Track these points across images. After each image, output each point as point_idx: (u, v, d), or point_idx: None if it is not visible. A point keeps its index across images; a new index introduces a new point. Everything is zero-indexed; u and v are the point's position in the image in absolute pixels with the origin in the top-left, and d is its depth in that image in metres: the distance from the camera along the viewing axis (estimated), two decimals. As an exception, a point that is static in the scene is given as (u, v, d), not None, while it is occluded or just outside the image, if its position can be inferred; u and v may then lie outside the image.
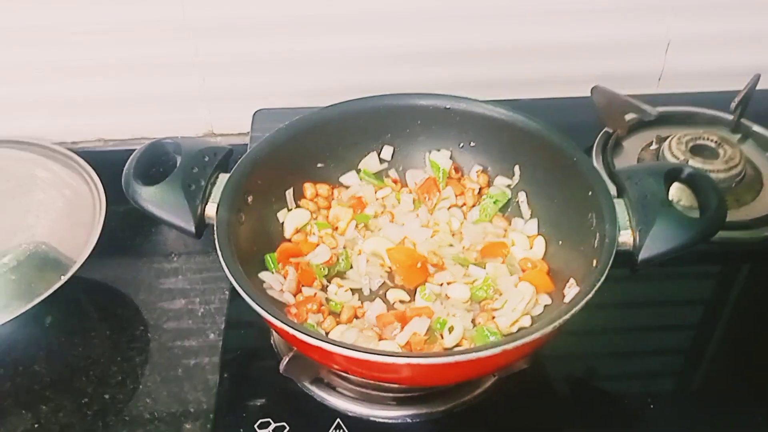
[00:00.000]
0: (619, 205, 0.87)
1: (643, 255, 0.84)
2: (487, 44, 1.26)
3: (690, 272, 1.09)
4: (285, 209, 1.01)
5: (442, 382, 0.88)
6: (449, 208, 1.03)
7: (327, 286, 0.96)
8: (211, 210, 0.90)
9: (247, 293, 0.80)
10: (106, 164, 1.09)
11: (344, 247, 0.99)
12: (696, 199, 0.92)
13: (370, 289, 0.95)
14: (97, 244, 0.99)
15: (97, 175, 1.10)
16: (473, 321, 0.91)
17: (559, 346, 0.90)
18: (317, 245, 0.98)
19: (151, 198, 0.90)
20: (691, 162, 1.12)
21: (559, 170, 0.96)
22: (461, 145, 1.05)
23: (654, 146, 1.21)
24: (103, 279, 1.10)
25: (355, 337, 0.89)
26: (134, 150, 0.95)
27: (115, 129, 1.28)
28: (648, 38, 1.29)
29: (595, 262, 0.84)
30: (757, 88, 1.22)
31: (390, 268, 0.96)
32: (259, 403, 0.90)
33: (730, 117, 1.24)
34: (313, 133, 1.01)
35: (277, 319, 0.78)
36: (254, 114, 1.25)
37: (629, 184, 0.89)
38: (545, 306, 0.92)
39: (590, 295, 0.79)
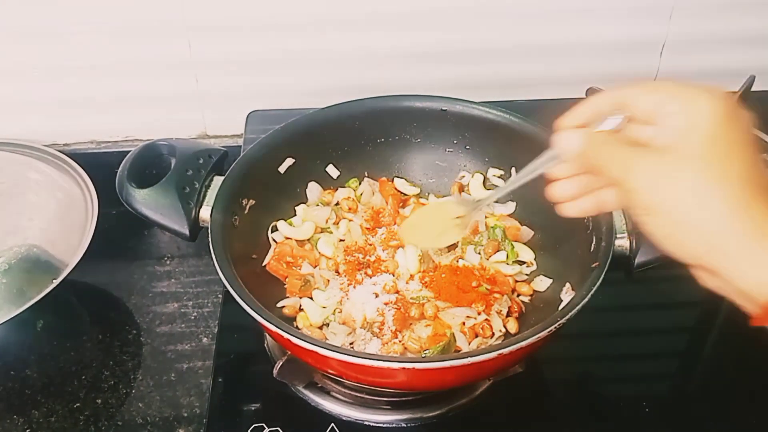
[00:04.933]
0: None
1: (639, 259, 0.84)
2: (482, 45, 1.25)
3: (684, 275, 1.08)
4: (303, 205, 1.02)
5: (438, 387, 0.87)
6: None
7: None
8: (205, 213, 0.90)
9: (241, 297, 0.80)
10: (98, 166, 1.09)
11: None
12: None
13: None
14: (89, 247, 0.99)
15: (90, 177, 1.10)
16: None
17: (555, 350, 0.90)
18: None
19: (145, 201, 0.89)
20: (686, 164, 1.12)
21: (554, 173, 0.96)
22: (456, 146, 1.05)
23: (649, 148, 1.20)
24: (96, 282, 1.10)
25: (351, 339, 0.89)
26: (126, 152, 0.94)
27: (108, 130, 1.27)
28: (643, 39, 1.29)
29: (591, 266, 0.83)
30: (752, 89, 1.22)
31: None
32: (252, 408, 0.90)
33: (725, 119, 1.24)
34: (308, 135, 1.01)
35: (270, 323, 0.78)
36: (248, 115, 1.25)
37: (625, 187, 0.88)
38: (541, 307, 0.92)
39: (586, 300, 0.79)
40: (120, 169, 0.92)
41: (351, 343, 0.89)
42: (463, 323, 0.90)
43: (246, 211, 0.95)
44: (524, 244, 0.99)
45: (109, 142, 1.28)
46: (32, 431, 0.92)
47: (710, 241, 0.60)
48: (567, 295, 0.88)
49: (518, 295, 0.95)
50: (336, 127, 1.02)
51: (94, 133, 1.28)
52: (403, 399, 0.89)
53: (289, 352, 0.84)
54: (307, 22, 1.19)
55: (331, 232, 1.01)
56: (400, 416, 0.89)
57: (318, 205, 1.03)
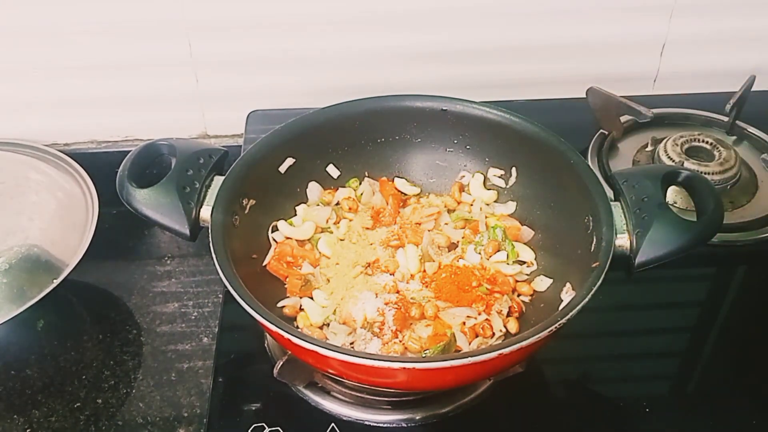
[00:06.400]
0: (616, 209, 0.87)
1: (639, 259, 0.84)
2: (482, 45, 1.25)
3: (685, 274, 1.09)
4: (303, 205, 1.02)
5: (438, 387, 0.87)
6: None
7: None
8: (205, 213, 0.89)
9: (241, 297, 0.80)
10: (98, 166, 1.09)
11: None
12: (693, 201, 0.91)
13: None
14: (89, 246, 0.99)
15: (90, 177, 1.10)
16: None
17: (555, 350, 0.90)
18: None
19: (146, 200, 0.89)
20: (686, 164, 1.12)
21: (555, 173, 0.96)
22: (457, 146, 1.05)
23: (649, 148, 1.21)
24: (96, 282, 1.10)
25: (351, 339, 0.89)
26: (127, 151, 0.94)
27: (108, 130, 1.27)
28: (643, 39, 1.29)
29: (591, 266, 0.83)
30: (752, 89, 1.23)
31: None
32: (253, 408, 0.90)
33: (725, 119, 1.25)
34: (309, 135, 1.01)
35: (271, 322, 0.78)
36: (248, 115, 1.25)
37: (626, 187, 0.88)
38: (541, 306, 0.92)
39: (586, 300, 0.79)
40: (120, 168, 0.91)
41: (351, 343, 0.89)
42: (464, 323, 0.90)
43: (246, 211, 0.95)
44: (524, 244, 0.99)
45: (110, 141, 1.28)
46: (33, 431, 0.92)
47: None
48: (567, 295, 0.88)
49: (518, 295, 0.95)
50: (336, 127, 1.02)
51: (95, 133, 1.28)
52: (404, 399, 0.89)
53: (290, 352, 0.84)
54: (307, 22, 1.19)
55: (332, 232, 1.01)
56: (400, 416, 0.89)
57: (318, 204, 1.03)
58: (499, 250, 0.98)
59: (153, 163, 0.95)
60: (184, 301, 1.07)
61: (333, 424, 0.87)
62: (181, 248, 1.15)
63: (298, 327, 0.91)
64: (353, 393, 0.90)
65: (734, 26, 1.29)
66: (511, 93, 1.28)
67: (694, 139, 1.16)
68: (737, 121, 1.24)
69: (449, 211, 1.04)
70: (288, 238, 0.99)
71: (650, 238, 0.84)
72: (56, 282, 0.95)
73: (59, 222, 1.05)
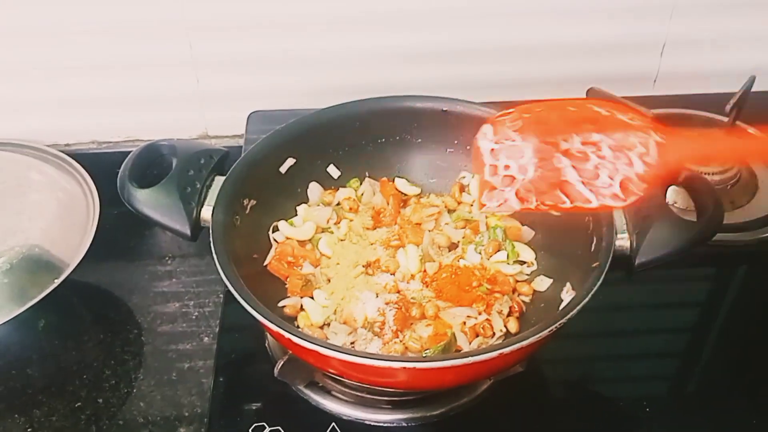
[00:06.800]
0: (616, 209, 0.87)
1: (639, 259, 0.84)
2: (482, 46, 1.25)
3: (685, 275, 1.09)
4: (304, 205, 1.03)
5: (438, 387, 0.87)
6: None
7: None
8: (206, 213, 0.90)
9: (242, 296, 0.80)
10: (99, 166, 1.09)
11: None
12: (693, 201, 0.91)
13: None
14: (90, 246, 0.99)
15: (91, 177, 1.10)
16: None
17: (555, 350, 0.90)
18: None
19: (147, 201, 0.89)
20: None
21: (555, 173, 0.96)
22: (457, 146, 1.05)
23: (650, 148, 1.21)
24: (97, 282, 1.10)
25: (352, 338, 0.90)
26: (128, 152, 0.94)
27: (109, 130, 1.27)
28: (644, 40, 1.29)
29: (591, 266, 0.83)
30: (752, 90, 1.22)
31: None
32: (253, 407, 0.90)
33: (726, 119, 1.24)
34: (309, 135, 1.01)
35: (271, 322, 0.78)
36: (249, 116, 1.25)
37: (626, 187, 0.88)
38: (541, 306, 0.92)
39: (586, 300, 0.79)
40: (121, 169, 0.92)
41: (352, 343, 0.89)
42: (464, 323, 0.90)
43: (247, 211, 0.95)
44: (525, 244, 0.99)
45: (111, 142, 1.28)
46: (34, 430, 0.92)
47: None
48: (567, 294, 0.88)
49: (519, 295, 0.95)
50: (337, 127, 1.02)
51: (96, 134, 1.28)
52: (404, 398, 0.89)
53: (290, 352, 0.84)
54: (307, 22, 1.19)
55: (332, 232, 1.01)
56: (400, 415, 0.89)
57: (319, 205, 1.04)
58: (499, 250, 0.98)
59: (154, 164, 0.95)
60: (185, 301, 1.07)
61: (333, 424, 0.88)
62: (182, 248, 1.15)
63: (298, 327, 0.91)
64: (354, 392, 0.90)
65: (734, 26, 1.29)
66: (512, 93, 1.27)
67: (694, 140, 1.17)
68: (737, 122, 1.24)
69: (450, 211, 1.04)
70: (289, 238, 0.99)
71: (650, 238, 0.84)
72: (57, 282, 0.95)
73: (60, 222, 1.05)
